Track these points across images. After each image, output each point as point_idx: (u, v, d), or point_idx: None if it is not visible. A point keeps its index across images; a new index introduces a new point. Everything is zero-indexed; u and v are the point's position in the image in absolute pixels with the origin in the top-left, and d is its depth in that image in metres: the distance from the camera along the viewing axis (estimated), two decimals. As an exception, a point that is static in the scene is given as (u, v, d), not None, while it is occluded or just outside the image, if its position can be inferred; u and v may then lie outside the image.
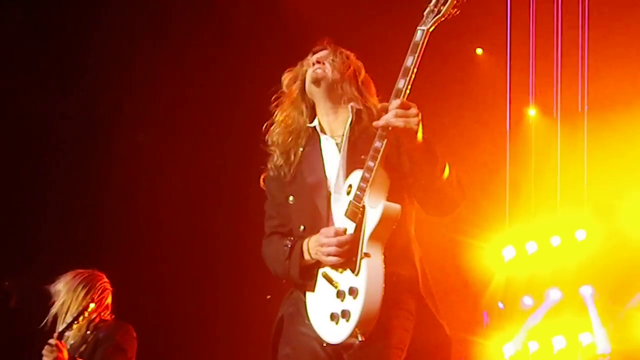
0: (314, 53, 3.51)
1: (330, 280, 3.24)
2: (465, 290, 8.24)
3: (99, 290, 5.41)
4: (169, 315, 7.67)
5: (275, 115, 3.52)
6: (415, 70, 3.16)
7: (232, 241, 7.68)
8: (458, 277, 8.00)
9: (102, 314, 5.39)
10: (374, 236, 3.14)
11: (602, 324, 8.32)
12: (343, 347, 3.21)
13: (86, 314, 5.24)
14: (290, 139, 3.46)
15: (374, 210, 3.14)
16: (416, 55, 3.16)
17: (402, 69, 3.17)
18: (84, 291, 5.33)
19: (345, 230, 3.19)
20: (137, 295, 7.07)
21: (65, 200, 7.43)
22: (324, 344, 3.25)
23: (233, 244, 7.65)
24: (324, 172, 3.38)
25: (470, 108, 8.23)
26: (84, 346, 5.27)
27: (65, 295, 5.31)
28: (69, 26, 7.41)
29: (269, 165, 3.51)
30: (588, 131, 7.89)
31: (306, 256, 3.29)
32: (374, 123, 3.17)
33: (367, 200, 3.15)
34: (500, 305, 8.78)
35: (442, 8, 3.16)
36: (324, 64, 3.42)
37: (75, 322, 5.21)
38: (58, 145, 7.54)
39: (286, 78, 3.54)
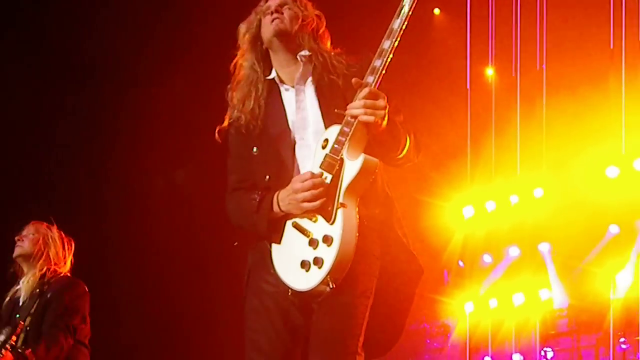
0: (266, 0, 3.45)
1: (302, 230, 3.24)
2: (426, 250, 8.35)
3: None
4: (162, 309, 7.69)
5: (234, 68, 3.49)
6: (400, 34, 3.18)
7: (223, 237, 7.72)
8: (419, 236, 8.10)
9: (57, 268, 5.25)
10: (351, 188, 3.17)
11: (559, 280, 8.48)
12: (311, 295, 3.21)
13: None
14: (248, 91, 3.42)
15: (353, 162, 3.16)
16: (403, 18, 3.20)
17: (379, 50, 3.20)
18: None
19: (321, 174, 3.21)
20: (133, 293, 7.15)
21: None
22: (289, 292, 3.25)
23: (225, 241, 7.69)
24: (287, 121, 3.37)
25: (430, 68, 8.29)
26: (34, 304, 5.12)
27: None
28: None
29: (228, 120, 3.47)
30: (546, 90, 7.99)
31: (275, 208, 3.28)
32: (345, 112, 3.18)
33: (345, 153, 3.19)
34: (461, 263, 8.91)
35: None
36: (282, 13, 3.38)
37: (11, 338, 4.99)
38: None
39: (242, 29, 3.46)
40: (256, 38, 3.43)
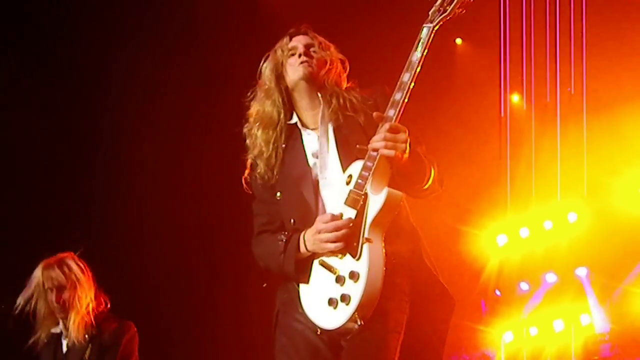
0: (291, 37, 3.47)
1: (328, 268, 3.25)
2: (462, 278, 8.30)
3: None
4: (169, 313, 7.63)
5: (252, 109, 3.49)
6: (420, 67, 3.21)
7: (231, 238, 7.68)
8: (455, 265, 8.06)
9: (96, 307, 5.11)
10: (376, 222, 3.18)
11: (599, 304, 8.42)
12: (340, 332, 3.22)
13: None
14: (267, 137, 3.44)
15: (377, 196, 3.18)
16: (421, 50, 3.22)
17: (398, 83, 3.23)
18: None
19: (341, 215, 3.23)
20: (136, 294, 7.05)
21: (56, 202, 7.36)
22: (318, 332, 3.26)
23: (232, 241, 7.64)
24: (307, 164, 3.40)
25: (459, 98, 8.31)
26: (87, 352, 5.05)
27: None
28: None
29: (251, 171, 3.50)
30: (582, 115, 8.00)
31: (302, 249, 3.31)
32: (368, 146, 3.20)
33: (369, 188, 3.19)
34: (497, 292, 8.85)
35: (447, 8, 3.24)
36: (311, 57, 3.41)
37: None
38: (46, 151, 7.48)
39: (267, 68, 3.47)
40: (280, 78, 3.45)
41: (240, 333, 7.67)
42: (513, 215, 8.68)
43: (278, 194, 3.42)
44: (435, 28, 3.24)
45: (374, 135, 3.19)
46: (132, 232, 7.60)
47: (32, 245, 6.87)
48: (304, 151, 3.42)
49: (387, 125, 3.15)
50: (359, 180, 3.19)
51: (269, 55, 3.48)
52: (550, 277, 8.68)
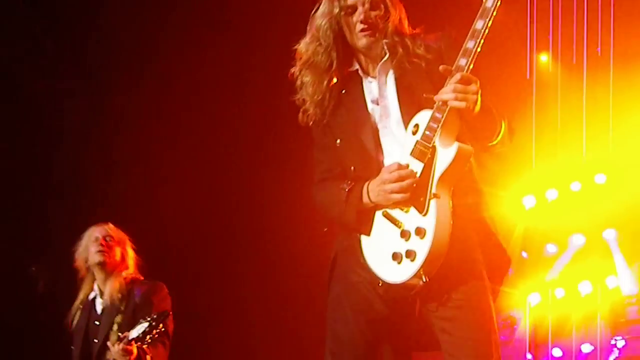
0: None
1: (393, 220, 3.18)
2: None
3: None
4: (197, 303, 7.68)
5: (301, 49, 3.39)
6: (485, 33, 3.14)
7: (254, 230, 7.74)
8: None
9: (133, 273, 5.39)
10: (444, 177, 3.09)
11: (627, 266, 8.34)
12: (404, 287, 3.16)
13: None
14: (319, 80, 3.35)
15: (446, 150, 3.09)
16: (487, 19, 3.15)
17: (471, 31, 3.15)
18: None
19: (407, 165, 3.15)
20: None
21: (83, 184, 7.43)
22: (380, 284, 3.20)
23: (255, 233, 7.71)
24: (367, 111, 3.33)
25: (489, 57, 8.17)
26: (121, 309, 5.24)
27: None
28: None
29: (302, 113, 3.43)
30: (610, 77, 7.86)
31: (365, 199, 3.23)
32: (435, 97, 3.11)
33: (437, 141, 3.10)
34: (524, 254, 8.79)
35: None
36: (371, 21, 3.28)
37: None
38: (72, 127, 7.52)
39: (321, 19, 3.34)
40: (337, 33, 3.34)
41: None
42: (539, 176, 8.59)
43: (338, 140, 3.36)
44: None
45: (439, 83, 3.11)
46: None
47: (63, 215, 7.04)
48: (364, 97, 3.34)
49: (458, 76, 3.05)
50: (427, 132, 3.11)
51: (322, 4, 3.36)
52: (578, 239, 8.60)
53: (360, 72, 3.37)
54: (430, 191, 3.09)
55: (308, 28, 3.39)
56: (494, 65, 8.23)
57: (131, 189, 7.50)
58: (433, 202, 3.08)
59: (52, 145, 7.39)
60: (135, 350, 4.96)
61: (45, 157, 7.35)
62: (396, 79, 3.31)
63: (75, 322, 5.37)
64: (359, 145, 3.31)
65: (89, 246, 5.32)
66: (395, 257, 3.14)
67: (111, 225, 5.44)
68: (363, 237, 3.27)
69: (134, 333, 4.95)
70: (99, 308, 5.35)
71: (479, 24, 3.13)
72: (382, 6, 3.31)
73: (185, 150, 7.72)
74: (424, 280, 3.09)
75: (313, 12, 3.38)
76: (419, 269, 3.08)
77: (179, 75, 7.63)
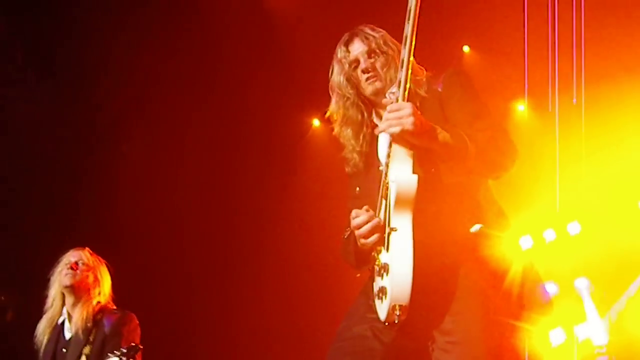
0: (347, 45, 3.50)
1: (375, 260, 3.27)
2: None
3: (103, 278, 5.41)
4: (183, 313, 7.66)
5: (333, 110, 3.56)
6: (414, 38, 3.17)
7: (247, 239, 7.74)
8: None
9: (104, 301, 5.35)
10: (397, 209, 3.13)
11: (598, 316, 8.35)
12: (391, 325, 3.17)
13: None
14: (360, 134, 3.52)
15: (393, 184, 3.16)
16: (411, 21, 3.18)
17: (403, 39, 3.21)
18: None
19: (367, 210, 3.24)
20: (151, 295, 7.10)
21: (68, 203, 7.42)
22: (386, 323, 3.22)
23: (249, 242, 7.71)
24: (377, 157, 3.45)
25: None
26: (90, 339, 5.19)
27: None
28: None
29: (347, 165, 3.57)
30: (583, 124, 7.96)
31: (358, 243, 3.34)
32: (376, 131, 3.30)
33: (390, 176, 3.18)
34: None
35: None
36: (375, 69, 3.44)
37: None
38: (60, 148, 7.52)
39: (339, 78, 3.51)
40: (356, 86, 3.52)
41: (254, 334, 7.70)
42: (513, 223, 8.63)
43: (357, 188, 3.52)
44: None
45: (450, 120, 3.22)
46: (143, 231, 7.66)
47: (38, 244, 7.01)
48: (376, 146, 3.47)
49: (389, 106, 3.15)
50: (384, 168, 3.22)
51: (334, 66, 3.53)
52: (550, 288, 8.62)
53: (375, 120, 3.51)
54: (388, 226, 3.15)
55: (330, 92, 3.56)
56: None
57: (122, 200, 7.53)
58: (392, 237, 3.12)
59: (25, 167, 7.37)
60: None
61: (17, 177, 7.32)
62: None
63: (43, 343, 5.33)
64: (370, 192, 3.41)
65: (62, 270, 5.32)
66: (378, 295, 3.21)
67: (87, 250, 5.43)
68: (372, 280, 3.35)
69: None
70: (67, 334, 5.30)
71: (403, 53, 3.20)
72: (380, 52, 3.45)
73: (189, 154, 7.76)
74: (398, 314, 3.09)
75: (329, 75, 3.55)
76: (390, 304, 3.09)
77: (180, 81, 7.71)
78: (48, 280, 5.38)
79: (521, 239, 8.70)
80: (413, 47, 3.17)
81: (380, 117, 3.42)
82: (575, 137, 8.04)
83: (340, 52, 3.50)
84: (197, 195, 7.84)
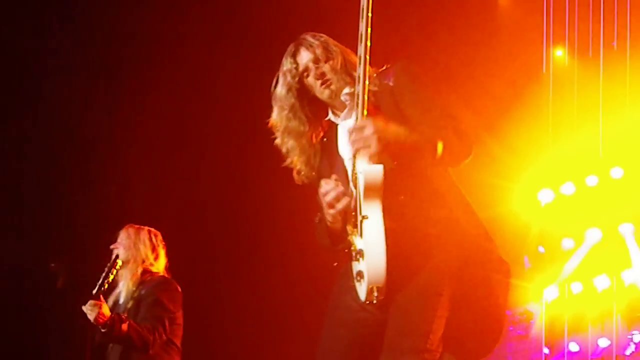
0: (293, 57, 3.54)
1: (351, 244, 3.36)
2: (504, 235, 8.23)
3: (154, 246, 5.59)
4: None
5: (274, 121, 3.59)
6: (368, 33, 3.22)
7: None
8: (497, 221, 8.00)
9: (151, 268, 5.53)
10: (366, 199, 3.23)
11: (644, 261, 8.35)
12: (370, 304, 3.30)
13: (117, 267, 5.40)
14: (305, 145, 3.57)
15: (361, 175, 3.25)
16: (364, 20, 3.23)
17: (359, 35, 3.25)
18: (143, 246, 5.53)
19: (335, 179, 3.34)
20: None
21: (103, 182, 7.53)
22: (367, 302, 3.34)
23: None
24: (338, 151, 3.53)
25: (502, 54, 8.22)
26: (130, 302, 5.45)
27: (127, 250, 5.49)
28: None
29: (297, 174, 3.62)
30: (627, 68, 7.87)
31: (328, 222, 3.42)
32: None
33: (358, 166, 3.27)
34: (541, 249, 8.80)
35: None
36: (325, 76, 3.50)
37: (107, 277, 5.34)
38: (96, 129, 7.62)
39: (282, 90, 3.56)
40: (300, 96, 3.56)
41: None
42: (555, 170, 8.61)
43: (321, 182, 3.52)
44: None
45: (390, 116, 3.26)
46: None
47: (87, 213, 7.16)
48: (337, 142, 3.54)
49: (352, 127, 3.22)
50: (352, 159, 3.30)
51: (278, 78, 3.58)
52: (594, 234, 8.61)
53: (333, 118, 3.58)
54: (360, 213, 3.26)
55: (273, 103, 3.60)
56: (510, 59, 8.29)
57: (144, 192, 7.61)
58: (364, 224, 3.24)
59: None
60: (106, 309, 5.20)
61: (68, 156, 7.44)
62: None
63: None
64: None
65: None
66: (356, 278, 3.32)
67: (127, 228, 5.62)
68: (352, 262, 3.43)
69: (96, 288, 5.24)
70: (121, 300, 5.54)
71: (359, 70, 3.26)
72: (327, 57, 3.52)
73: (190, 153, 7.82)
74: (376, 295, 3.23)
75: (272, 88, 3.60)
76: (368, 286, 3.22)
77: (178, 80, 7.72)
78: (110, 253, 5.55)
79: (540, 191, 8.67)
80: (369, 45, 3.22)
81: (336, 116, 3.56)
82: (617, 83, 7.95)
83: (287, 63, 3.53)
84: (200, 188, 7.88)
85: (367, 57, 3.23)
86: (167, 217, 7.33)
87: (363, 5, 3.23)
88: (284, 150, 3.60)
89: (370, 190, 3.22)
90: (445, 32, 7.77)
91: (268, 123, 3.60)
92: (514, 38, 8.46)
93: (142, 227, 5.65)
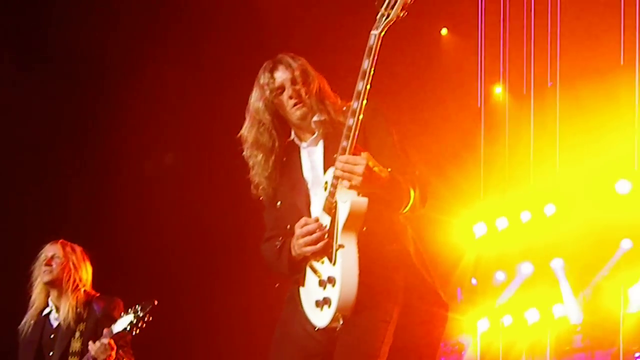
0: (271, 72, 3.58)
1: (315, 271, 3.42)
2: (437, 266, 8.32)
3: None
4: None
5: (245, 134, 3.63)
6: (371, 72, 3.27)
7: (231, 238, 7.80)
8: (432, 253, 8.08)
9: (86, 288, 5.35)
10: (346, 228, 3.30)
11: (573, 296, 8.49)
12: (329, 330, 3.39)
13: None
14: (270, 161, 3.60)
15: (344, 204, 3.30)
16: (371, 58, 3.26)
17: (360, 72, 3.29)
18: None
19: (316, 219, 3.38)
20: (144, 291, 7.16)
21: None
22: (315, 328, 3.42)
23: (233, 241, 7.77)
24: (302, 176, 3.57)
25: (441, 87, 8.37)
26: (82, 324, 5.26)
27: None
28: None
29: (255, 188, 3.66)
30: (558, 106, 8.04)
31: (293, 252, 3.46)
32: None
33: (338, 195, 3.31)
34: (474, 281, 8.92)
35: (390, 12, 3.24)
36: (299, 94, 3.54)
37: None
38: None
39: (257, 102, 3.59)
40: (273, 112, 3.60)
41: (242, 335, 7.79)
42: (489, 204, 8.75)
43: (278, 203, 3.60)
44: (382, 34, 3.25)
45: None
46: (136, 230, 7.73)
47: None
48: (301, 165, 3.58)
49: (343, 157, 3.26)
50: (331, 188, 3.33)
51: (255, 91, 3.60)
52: (526, 268, 8.75)
53: (297, 141, 3.63)
54: (336, 242, 3.32)
55: (247, 114, 3.64)
56: (446, 94, 8.44)
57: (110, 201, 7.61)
58: (340, 252, 3.31)
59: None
60: (114, 347, 5.05)
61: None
62: (324, 148, 3.56)
63: (27, 333, 5.39)
64: (295, 208, 3.54)
65: (40, 266, 5.37)
66: (317, 304, 3.39)
67: (61, 243, 5.42)
68: (301, 288, 3.52)
69: (118, 327, 5.03)
70: (54, 323, 5.37)
71: (365, 64, 3.28)
72: (304, 80, 3.56)
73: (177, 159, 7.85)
74: (341, 322, 3.33)
75: (249, 99, 3.63)
76: (335, 314, 3.31)
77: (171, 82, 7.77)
78: (30, 275, 5.42)
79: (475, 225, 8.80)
80: (370, 81, 3.25)
81: (301, 139, 3.61)
82: (550, 119, 8.12)
83: (263, 78, 3.58)
84: (188, 192, 7.89)
85: (367, 90, 3.24)
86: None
87: (371, 45, 3.23)
88: (250, 163, 3.62)
89: (352, 220, 3.28)
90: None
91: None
92: (454, 73, 8.63)
93: (74, 244, 5.56)
